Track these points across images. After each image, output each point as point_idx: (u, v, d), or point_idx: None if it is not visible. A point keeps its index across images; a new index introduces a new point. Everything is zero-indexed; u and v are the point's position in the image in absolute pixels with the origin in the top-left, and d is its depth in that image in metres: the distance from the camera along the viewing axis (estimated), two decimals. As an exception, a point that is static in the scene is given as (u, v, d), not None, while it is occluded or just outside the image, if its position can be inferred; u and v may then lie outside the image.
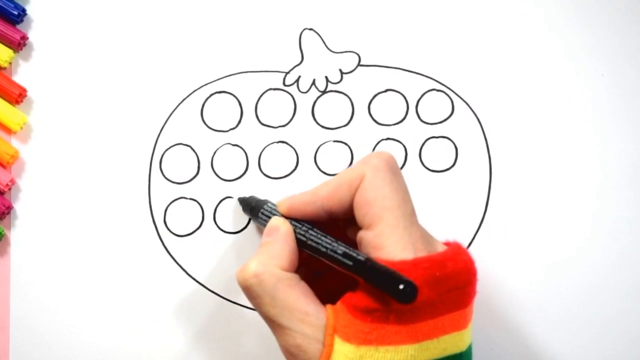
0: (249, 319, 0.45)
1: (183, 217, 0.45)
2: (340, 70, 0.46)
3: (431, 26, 0.46)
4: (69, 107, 0.46)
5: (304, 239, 0.37)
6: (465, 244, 0.45)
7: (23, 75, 0.45)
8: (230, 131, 0.46)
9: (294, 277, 0.36)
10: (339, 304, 0.35)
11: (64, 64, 0.46)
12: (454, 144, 0.46)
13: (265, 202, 0.42)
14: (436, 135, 0.46)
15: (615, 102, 0.46)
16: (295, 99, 0.46)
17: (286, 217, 0.39)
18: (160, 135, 0.46)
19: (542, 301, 0.45)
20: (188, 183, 0.46)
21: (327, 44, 0.46)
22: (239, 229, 0.45)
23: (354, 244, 0.36)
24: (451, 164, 0.46)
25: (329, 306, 0.35)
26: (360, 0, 0.46)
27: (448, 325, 0.34)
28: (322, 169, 0.46)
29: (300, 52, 0.46)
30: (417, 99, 0.46)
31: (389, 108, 0.46)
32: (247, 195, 0.45)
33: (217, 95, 0.46)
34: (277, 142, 0.46)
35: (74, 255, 0.45)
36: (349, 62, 0.46)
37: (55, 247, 0.45)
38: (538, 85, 0.46)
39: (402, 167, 0.46)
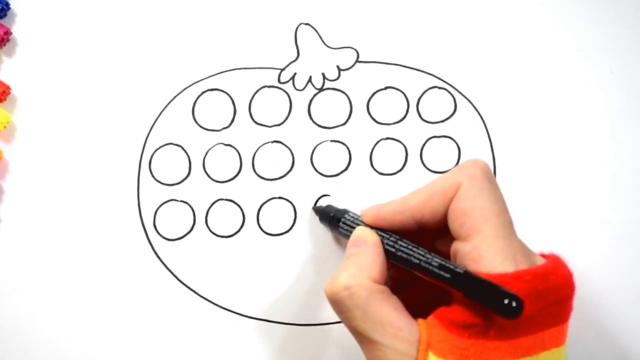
0: (243, 327, 0.44)
1: (173, 220, 0.45)
2: (338, 66, 0.46)
3: (433, 20, 0.46)
4: (54, 105, 0.45)
5: (393, 249, 0.37)
6: None
7: (6, 72, 0.45)
8: (223, 130, 0.45)
9: (386, 290, 0.35)
10: (431, 318, 0.34)
11: (50, 61, 0.45)
12: (456, 143, 0.46)
13: (344, 211, 0.41)
14: (438, 134, 0.46)
15: (625, 100, 0.46)
16: (291, 97, 0.46)
17: (371, 228, 0.38)
18: (150, 134, 0.45)
19: None
20: (179, 185, 0.45)
21: (324, 39, 0.46)
22: (232, 232, 0.45)
23: (443, 255, 0.36)
24: (453, 164, 0.46)
25: (420, 320, 0.34)
26: None
27: (547, 341, 0.34)
28: (318, 170, 0.45)
29: (295, 48, 0.46)
30: (418, 97, 0.46)
31: (389, 106, 0.46)
32: (322, 204, 0.44)
33: (209, 93, 0.45)
34: (272, 142, 0.45)
35: (59, 260, 0.45)
36: (347, 58, 0.46)
37: (40, 252, 0.45)
38: (545, 82, 0.46)
39: (402, 168, 0.46)
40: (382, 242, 0.37)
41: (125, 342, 0.44)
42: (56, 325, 0.44)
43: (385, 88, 0.46)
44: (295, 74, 0.46)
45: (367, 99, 0.46)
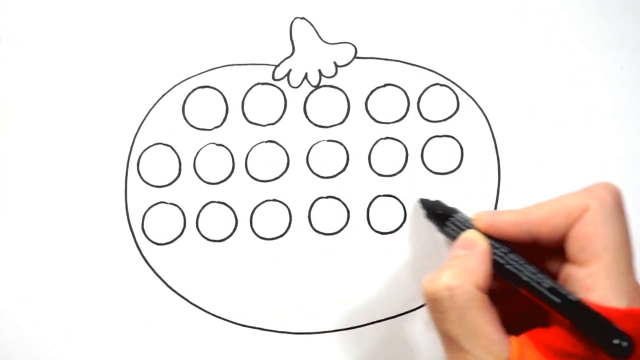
0: (235, 335, 0.44)
1: (163, 223, 0.45)
2: (335, 62, 0.46)
3: (435, 15, 0.46)
4: (38, 105, 0.45)
5: (502, 261, 0.36)
6: None
7: None
8: (215, 130, 0.45)
9: (487, 299, 0.35)
10: (524, 338, 0.34)
11: (34, 59, 0.45)
12: (459, 144, 0.46)
13: (453, 210, 0.41)
14: (440, 134, 0.46)
15: (635, 97, 0.46)
16: (286, 95, 0.45)
17: (482, 233, 0.38)
18: (138, 134, 0.45)
19: None
20: (168, 186, 0.45)
21: (320, 34, 0.46)
22: (224, 236, 0.45)
23: (548, 275, 0.35)
24: (456, 165, 0.46)
25: (513, 338, 0.34)
26: None
27: None
28: (314, 171, 0.45)
29: (291, 43, 0.46)
30: (418, 95, 0.46)
31: (388, 104, 0.46)
32: (431, 198, 0.44)
33: (200, 90, 0.45)
34: (266, 142, 0.45)
35: (44, 266, 0.44)
36: (345, 53, 0.46)
37: (24, 257, 0.45)
38: (551, 79, 0.46)
39: (402, 169, 0.45)
40: (492, 251, 0.37)
41: (113, 349, 0.44)
42: (43, 333, 0.44)
43: (385, 85, 0.46)
44: (290, 70, 0.45)
45: (366, 96, 0.45)
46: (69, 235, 0.44)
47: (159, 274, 0.44)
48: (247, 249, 0.44)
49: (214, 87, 0.45)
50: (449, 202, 0.45)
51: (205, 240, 0.45)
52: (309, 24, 0.45)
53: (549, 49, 0.46)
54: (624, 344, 0.31)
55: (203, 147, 0.45)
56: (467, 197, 0.45)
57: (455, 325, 0.34)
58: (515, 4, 0.46)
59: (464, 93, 0.46)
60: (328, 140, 0.45)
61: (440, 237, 0.44)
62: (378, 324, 0.45)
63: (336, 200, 0.45)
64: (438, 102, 0.46)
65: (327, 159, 0.45)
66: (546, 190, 0.45)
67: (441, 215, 0.41)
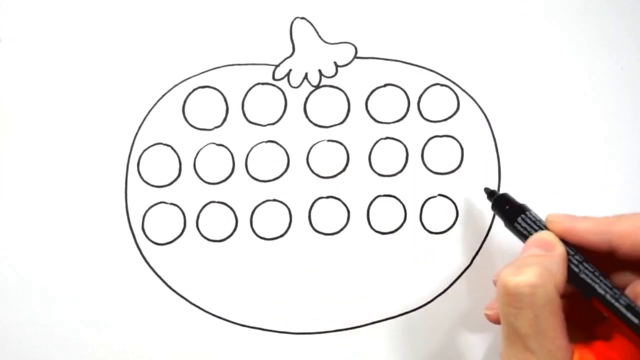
0: (235, 336, 0.44)
1: (163, 223, 0.45)
2: (335, 62, 0.46)
3: (435, 15, 0.46)
4: (39, 105, 0.45)
5: (577, 270, 0.36)
6: (470, 254, 0.45)
7: None
8: (215, 130, 0.45)
9: (561, 304, 0.35)
10: (587, 351, 0.34)
11: (34, 59, 0.45)
12: (459, 144, 0.46)
13: (523, 207, 0.40)
14: (440, 134, 0.46)
15: (636, 97, 0.46)
16: (286, 95, 0.45)
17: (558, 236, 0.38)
18: (138, 134, 0.45)
19: None
20: (168, 186, 0.45)
21: (320, 34, 0.46)
22: (224, 236, 0.45)
23: (617, 287, 0.36)
24: (456, 165, 0.46)
25: (576, 348, 0.34)
26: None
27: None
28: (315, 171, 0.45)
29: (291, 43, 0.46)
30: (419, 95, 0.46)
31: (389, 104, 0.46)
32: (500, 191, 0.44)
33: (200, 90, 0.45)
34: (266, 142, 0.45)
35: (44, 266, 0.45)
36: (345, 53, 0.46)
37: (25, 256, 0.45)
38: (552, 79, 0.46)
39: (402, 169, 0.45)
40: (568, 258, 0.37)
41: (113, 349, 0.44)
42: (44, 330, 0.44)
43: (385, 85, 0.46)
44: (290, 70, 0.45)
45: (366, 96, 0.46)
46: (69, 235, 0.44)
47: (159, 274, 0.44)
48: (247, 249, 0.45)
49: (214, 87, 0.45)
50: (450, 202, 0.45)
51: (206, 240, 0.45)
52: (309, 24, 0.45)
53: (550, 49, 0.46)
54: None
55: (203, 147, 0.45)
56: (467, 196, 0.46)
57: (528, 323, 0.34)
58: (515, 4, 0.46)
59: (464, 93, 0.46)
60: (328, 140, 0.45)
61: (436, 240, 0.45)
62: (378, 324, 0.45)
63: (336, 200, 0.45)
64: (438, 102, 0.46)
65: (327, 159, 0.45)
66: (547, 190, 0.45)
67: (510, 211, 0.40)
